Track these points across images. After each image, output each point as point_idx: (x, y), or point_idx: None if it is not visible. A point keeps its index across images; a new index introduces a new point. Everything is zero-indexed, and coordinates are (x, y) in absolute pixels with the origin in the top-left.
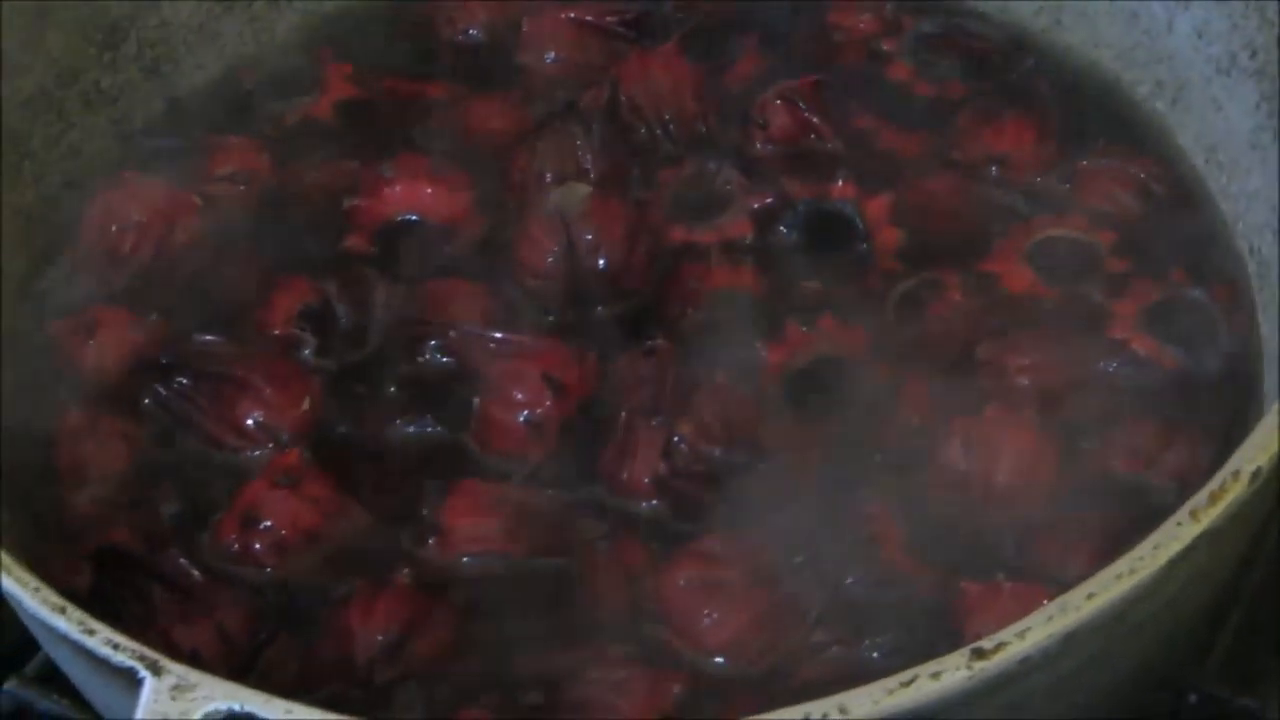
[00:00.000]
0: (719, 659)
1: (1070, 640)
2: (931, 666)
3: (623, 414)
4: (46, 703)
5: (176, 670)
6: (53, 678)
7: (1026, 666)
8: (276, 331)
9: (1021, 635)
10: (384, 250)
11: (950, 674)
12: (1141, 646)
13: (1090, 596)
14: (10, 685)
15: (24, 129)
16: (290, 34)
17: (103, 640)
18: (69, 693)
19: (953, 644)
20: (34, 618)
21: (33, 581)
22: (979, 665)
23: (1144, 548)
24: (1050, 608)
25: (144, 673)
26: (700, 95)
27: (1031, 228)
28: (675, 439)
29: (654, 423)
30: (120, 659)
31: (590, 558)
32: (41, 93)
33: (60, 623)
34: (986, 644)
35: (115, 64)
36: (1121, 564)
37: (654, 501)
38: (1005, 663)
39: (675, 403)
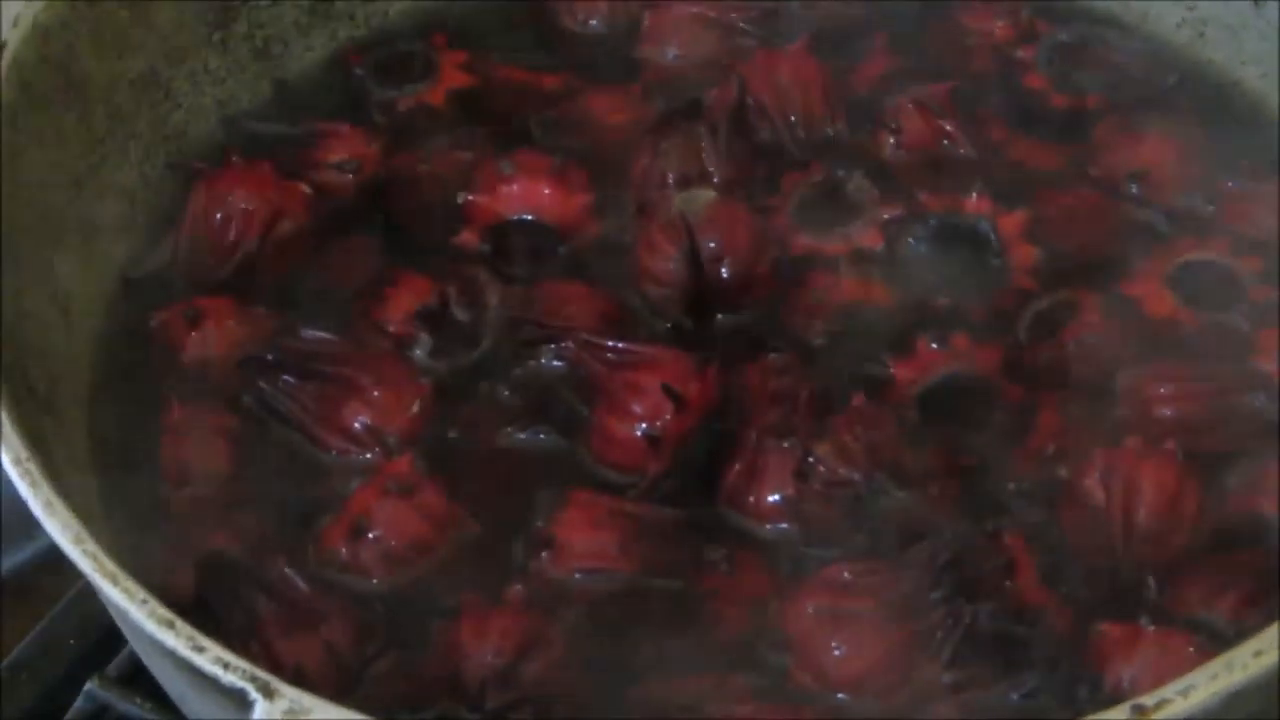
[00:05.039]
0: (845, 695)
1: (1235, 699)
2: None
3: (752, 433)
4: (128, 705)
5: (290, 694)
6: (135, 679)
7: None
8: (391, 329)
9: (1185, 693)
10: (495, 248)
11: None
12: None
13: (1258, 654)
14: (91, 685)
15: (131, 108)
16: (403, 18)
17: (212, 658)
18: (152, 695)
19: (1093, 687)
20: (139, 630)
21: (140, 593)
22: None
23: None
24: (1215, 665)
25: (255, 695)
26: (828, 97)
27: (1173, 250)
28: (810, 459)
29: (785, 443)
30: (230, 679)
31: (711, 580)
32: (150, 72)
33: (169, 638)
34: (1148, 701)
35: (225, 44)
36: None
37: (782, 524)
38: None
39: (810, 423)
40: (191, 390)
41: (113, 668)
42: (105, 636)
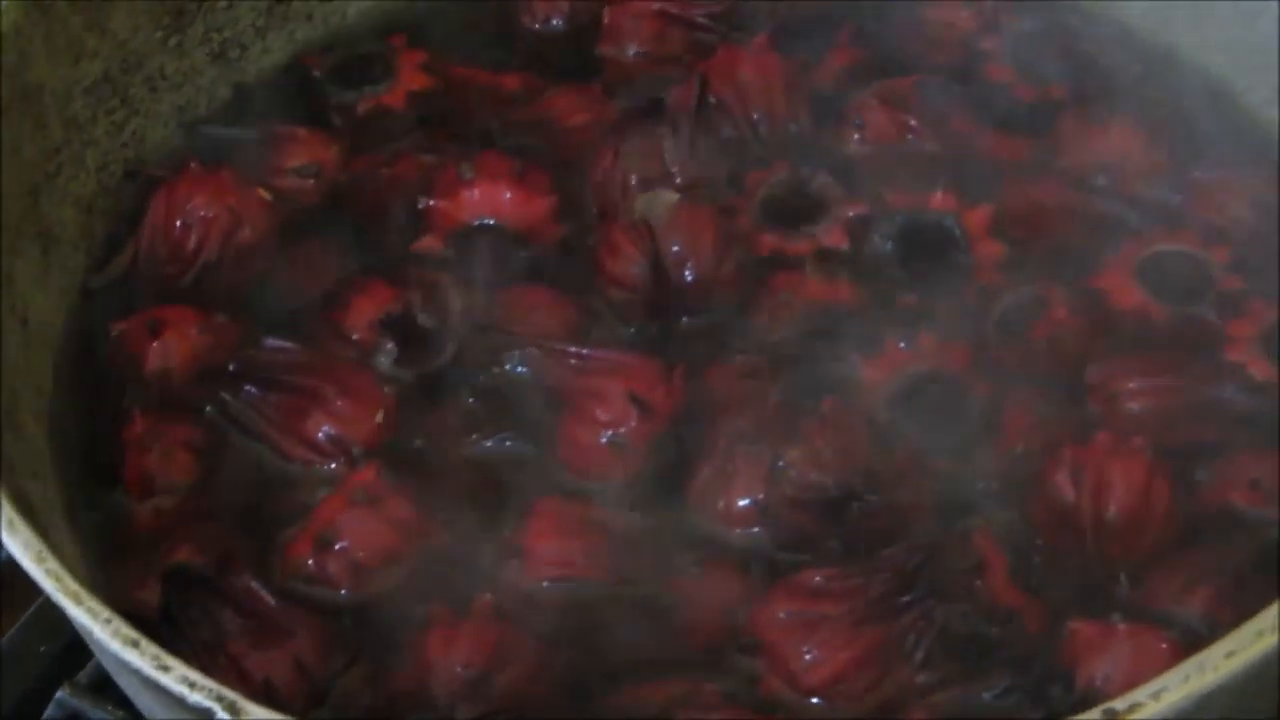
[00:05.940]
0: (817, 699)
1: (1207, 700)
2: None
3: (721, 438)
4: (99, 713)
5: (257, 713)
6: (106, 686)
7: None
8: (355, 336)
9: (1157, 696)
10: (457, 253)
11: None
12: (1272, 703)
13: (1230, 655)
14: (62, 693)
15: (87, 115)
16: (362, 19)
17: (178, 678)
18: (123, 703)
19: (1065, 686)
20: (103, 648)
21: (104, 612)
22: None
23: None
24: (1187, 666)
25: (222, 714)
26: (791, 93)
27: (1141, 242)
28: (781, 464)
29: (755, 447)
30: (196, 699)
31: (681, 586)
32: (106, 78)
33: (133, 658)
34: (1120, 705)
35: (181, 48)
36: (1264, 619)
37: (753, 529)
38: None
39: (780, 427)
40: (154, 401)
41: (84, 675)
42: (76, 643)
